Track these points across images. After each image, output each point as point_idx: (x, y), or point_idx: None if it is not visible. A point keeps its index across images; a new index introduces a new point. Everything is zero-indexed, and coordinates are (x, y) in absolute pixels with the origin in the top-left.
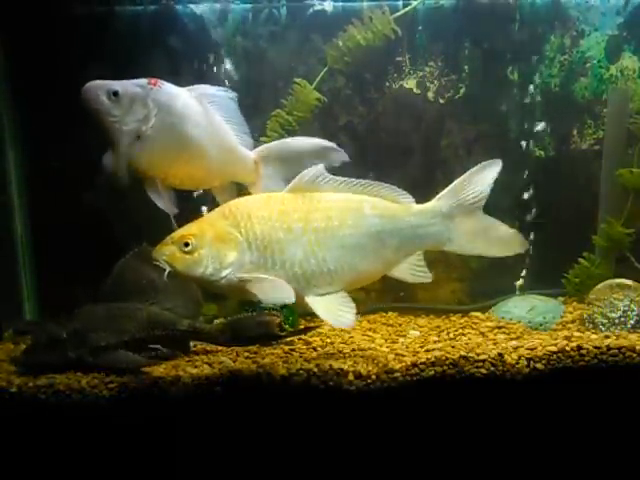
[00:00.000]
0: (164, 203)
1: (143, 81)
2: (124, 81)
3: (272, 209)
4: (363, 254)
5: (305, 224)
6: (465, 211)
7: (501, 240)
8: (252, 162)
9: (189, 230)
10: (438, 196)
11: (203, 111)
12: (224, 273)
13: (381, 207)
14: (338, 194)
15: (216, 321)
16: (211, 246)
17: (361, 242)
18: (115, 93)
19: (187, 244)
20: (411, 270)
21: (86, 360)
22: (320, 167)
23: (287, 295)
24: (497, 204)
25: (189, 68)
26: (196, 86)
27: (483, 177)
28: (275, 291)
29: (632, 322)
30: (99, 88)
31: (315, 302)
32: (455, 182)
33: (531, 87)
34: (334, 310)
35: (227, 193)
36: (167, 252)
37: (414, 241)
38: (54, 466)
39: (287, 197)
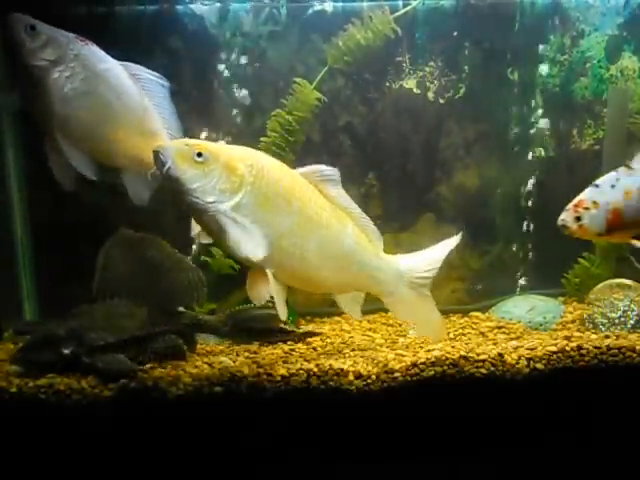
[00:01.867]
0: (60, 172)
1: (72, 35)
2: (53, 27)
3: (283, 178)
4: (329, 263)
5: (302, 206)
6: (415, 279)
7: (427, 324)
8: None
9: (207, 144)
10: (404, 255)
11: (134, 88)
12: (215, 198)
13: (359, 236)
14: (334, 205)
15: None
16: (220, 169)
17: (332, 252)
18: (32, 27)
19: (201, 154)
20: (350, 301)
21: (83, 360)
22: (337, 174)
23: (255, 252)
24: (497, 204)
25: (188, 68)
26: (129, 63)
27: (439, 255)
28: (247, 244)
29: (632, 322)
30: (19, 20)
31: (272, 278)
32: (422, 251)
33: (531, 87)
34: (283, 298)
35: (140, 182)
36: (179, 149)
37: (366, 280)
38: (54, 466)
39: (298, 178)
